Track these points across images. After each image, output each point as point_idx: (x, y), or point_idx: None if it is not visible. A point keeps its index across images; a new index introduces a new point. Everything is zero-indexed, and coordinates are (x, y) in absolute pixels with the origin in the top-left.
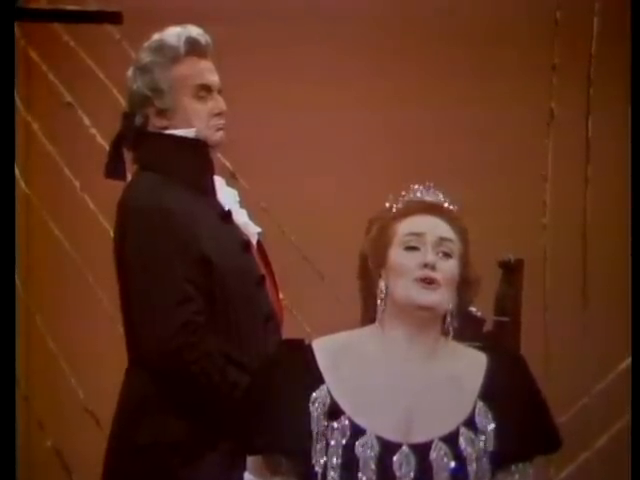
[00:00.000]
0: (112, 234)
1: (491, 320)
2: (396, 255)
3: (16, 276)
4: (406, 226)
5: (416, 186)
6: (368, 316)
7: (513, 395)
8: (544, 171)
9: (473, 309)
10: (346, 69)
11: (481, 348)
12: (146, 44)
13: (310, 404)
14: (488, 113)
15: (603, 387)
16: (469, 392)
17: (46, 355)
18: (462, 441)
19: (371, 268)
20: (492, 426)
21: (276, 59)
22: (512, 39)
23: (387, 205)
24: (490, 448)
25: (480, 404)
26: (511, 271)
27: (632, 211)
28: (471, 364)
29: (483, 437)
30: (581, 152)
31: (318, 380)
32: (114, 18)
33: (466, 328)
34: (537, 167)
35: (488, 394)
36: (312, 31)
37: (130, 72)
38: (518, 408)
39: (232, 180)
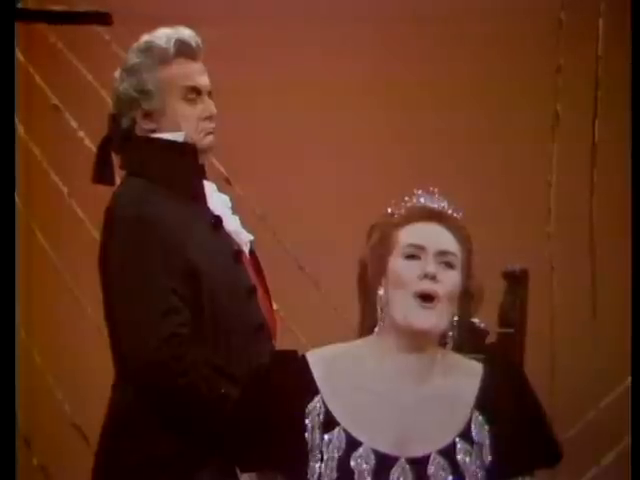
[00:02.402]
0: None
1: (495, 332)
2: (396, 264)
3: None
4: (407, 234)
5: (419, 191)
6: (366, 325)
7: (509, 405)
8: (549, 177)
9: (476, 320)
10: (344, 72)
11: (480, 359)
12: (135, 45)
13: (305, 416)
14: (491, 116)
15: (611, 401)
16: (464, 403)
17: (31, 368)
18: (459, 454)
19: (370, 276)
20: (488, 438)
21: (272, 62)
22: (516, 40)
23: (389, 211)
24: (487, 460)
25: (476, 415)
26: (516, 281)
27: (632, 219)
28: (467, 375)
29: (480, 449)
30: (587, 157)
31: (313, 391)
32: (103, 19)
33: (469, 340)
34: (542, 173)
35: (483, 405)
36: (308, 32)
37: (117, 73)
38: (514, 419)
39: (226, 186)
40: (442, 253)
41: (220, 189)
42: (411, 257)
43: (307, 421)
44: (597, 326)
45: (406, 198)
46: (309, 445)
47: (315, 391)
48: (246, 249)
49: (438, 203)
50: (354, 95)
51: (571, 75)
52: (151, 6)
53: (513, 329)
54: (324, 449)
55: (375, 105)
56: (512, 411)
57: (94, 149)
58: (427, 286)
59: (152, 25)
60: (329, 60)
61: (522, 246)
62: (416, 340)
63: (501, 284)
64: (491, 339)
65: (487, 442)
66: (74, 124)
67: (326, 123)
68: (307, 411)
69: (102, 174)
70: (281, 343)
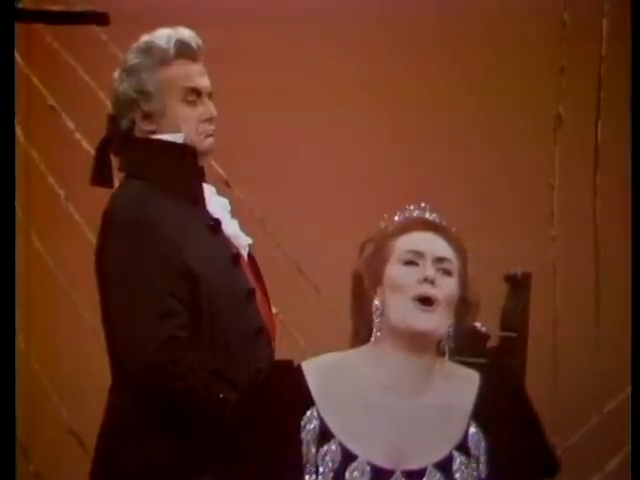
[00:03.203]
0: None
1: (496, 336)
2: (394, 271)
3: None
4: (405, 242)
5: (411, 206)
6: (360, 336)
7: (505, 416)
8: (551, 179)
9: (478, 324)
10: (347, 74)
11: (477, 366)
12: (134, 45)
13: (300, 428)
14: (493, 118)
15: (615, 406)
16: (461, 415)
17: (28, 373)
18: (456, 467)
19: (366, 287)
20: (484, 449)
21: (271, 63)
22: (518, 41)
23: (382, 225)
24: (484, 473)
25: (472, 427)
26: (518, 285)
27: (632, 223)
28: (463, 385)
29: (476, 461)
30: (590, 159)
31: (308, 402)
32: (101, 19)
33: (470, 344)
34: (544, 175)
35: (480, 416)
36: (308, 34)
37: (116, 74)
38: (511, 429)
39: (225, 189)
40: (440, 260)
41: (219, 192)
42: (409, 263)
43: (303, 433)
44: (601, 330)
45: (398, 213)
46: (305, 458)
47: (310, 402)
48: (245, 253)
49: (430, 216)
50: (354, 97)
51: (574, 76)
52: (149, 6)
53: (515, 333)
54: (319, 462)
55: (376, 107)
56: (509, 422)
57: (91, 151)
58: (426, 290)
59: (150, 25)
60: (329, 62)
61: (525, 249)
62: (414, 344)
63: (503, 288)
64: (492, 343)
65: (484, 454)
66: (71, 125)
67: (326, 125)
68: (302, 423)
69: (100, 176)
70: (280, 346)
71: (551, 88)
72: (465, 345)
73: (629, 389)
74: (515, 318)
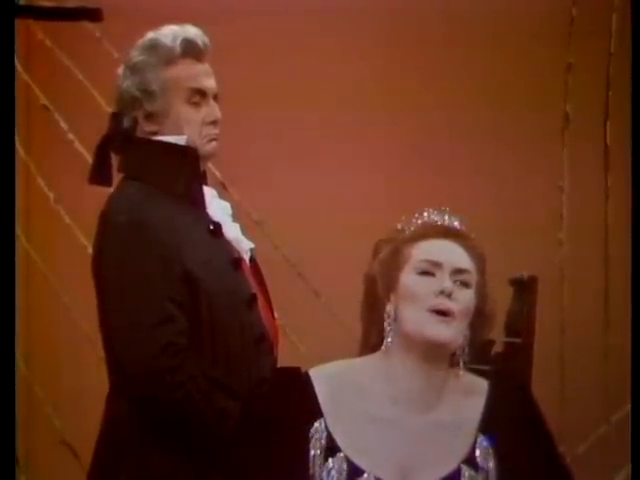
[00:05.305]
0: (90, 250)
1: (501, 341)
2: (409, 280)
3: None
4: (422, 250)
5: (431, 209)
6: (370, 342)
7: (514, 428)
8: (560, 181)
9: None
10: (347, 74)
11: (485, 374)
12: (139, 42)
13: (307, 440)
14: (498, 117)
15: (624, 415)
16: (469, 427)
17: (19, 382)
18: None
19: (380, 292)
20: (492, 462)
21: (271, 63)
22: (524, 38)
23: (398, 227)
24: None
25: (480, 439)
26: (524, 289)
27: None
28: (473, 397)
29: (485, 475)
30: (600, 160)
31: (316, 413)
32: (94, 15)
33: (474, 349)
34: (552, 177)
35: (488, 428)
36: (309, 34)
37: (120, 70)
38: (520, 442)
39: (222, 191)
40: (458, 271)
41: (219, 195)
42: (425, 273)
43: (310, 446)
44: (609, 336)
45: (416, 215)
46: (311, 471)
47: (319, 413)
48: (246, 257)
49: (450, 221)
50: (355, 97)
51: (582, 73)
52: (143, 2)
53: (520, 338)
54: (325, 476)
55: (377, 109)
56: (517, 434)
57: (85, 152)
58: (442, 302)
59: (144, 21)
60: (329, 63)
61: (533, 253)
62: (428, 355)
63: (509, 292)
64: (497, 349)
65: (492, 467)
66: (64, 125)
67: (325, 127)
68: (310, 435)
69: (99, 175)
70: (279, 353)
71: (558, 86)
72: (469, 351)
73: (633, 399)
74: (520, 323)
